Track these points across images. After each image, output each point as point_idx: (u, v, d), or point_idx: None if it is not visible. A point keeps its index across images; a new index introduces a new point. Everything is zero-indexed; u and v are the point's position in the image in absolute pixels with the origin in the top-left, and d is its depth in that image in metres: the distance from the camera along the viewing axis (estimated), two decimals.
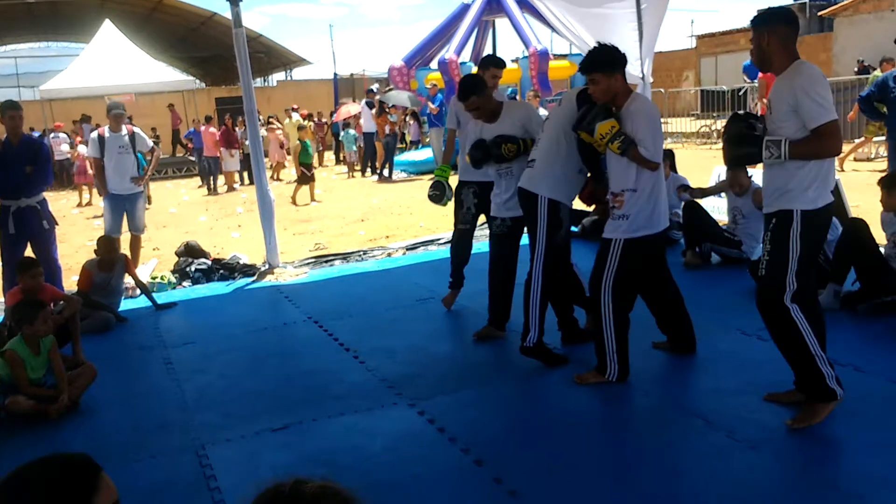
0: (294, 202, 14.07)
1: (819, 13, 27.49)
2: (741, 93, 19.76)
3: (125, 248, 7.23)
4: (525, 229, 4.89)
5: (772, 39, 3.54)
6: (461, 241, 5.96)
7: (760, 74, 9.42)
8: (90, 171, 14.22)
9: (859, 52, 22.58)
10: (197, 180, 18.54)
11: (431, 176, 5.98)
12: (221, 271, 7.82)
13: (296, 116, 20.21)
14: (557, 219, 4.51)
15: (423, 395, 4.33)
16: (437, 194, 5.87)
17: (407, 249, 8.54)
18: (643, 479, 3.30)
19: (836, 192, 6.66)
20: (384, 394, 4.42)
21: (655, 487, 3.23)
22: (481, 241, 7.95)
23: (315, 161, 18.32)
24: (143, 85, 21.26)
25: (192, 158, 20.22)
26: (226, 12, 7.60)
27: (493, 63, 5.64)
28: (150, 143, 8.26)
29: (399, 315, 5.99)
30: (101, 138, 7.80)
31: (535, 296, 4.56)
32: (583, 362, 4.57)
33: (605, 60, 4.10)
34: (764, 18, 3.59)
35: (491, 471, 3.44)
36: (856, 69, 20.79)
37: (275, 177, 18.58)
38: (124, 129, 7.83)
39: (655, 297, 4.56)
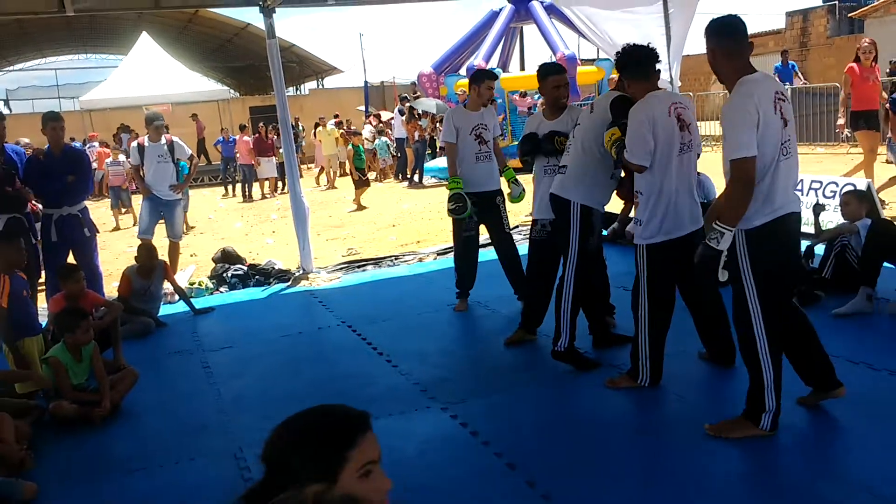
0: (359, 205, 14.19)
1: (849, 14, 27.11)
2: None
3: (164, 255, 7.39)
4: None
5: (716, 54, 3.46)
6: (467, 248, 6.05)
7: (847, 69, 9.46)
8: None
9: (891, 53, 22.20)
10: (231, 188, 18.77)
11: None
12: (257, 277, 7.95)
13: (330, 125, 20.35)
14: (590, 224, 4.55)
15: (456, 399, 4.39)
16: (460, 206, 5.79)
17: (438, 254, 8.60)
18: (673, 483, 3.32)
19: (869, 194, 6.64)
20: (417, 397, 4.49)
21: (685, 490, 3.25)
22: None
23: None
24: (179, 95, 21.66)
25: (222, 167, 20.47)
26: (259, 23, 7.73)
27: (487, 76, 5.98)
28: (189, 151, 8.47)
29: (430, 319, 6.07)
30: (140, 147, 8.03)
31: (566, 301, 4.60)
32: (615, 367, 4.60)
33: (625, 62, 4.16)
34: (707, 32, 3.48)
35: (524, 474, 3.49)
36: (888, 70, 20.48)
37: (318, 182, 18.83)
38: (163, 139, 8.02)
39: (692, 305, 4.44)
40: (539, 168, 5.12)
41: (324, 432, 1.55)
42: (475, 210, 5.86)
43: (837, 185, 7.63)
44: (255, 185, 18.22)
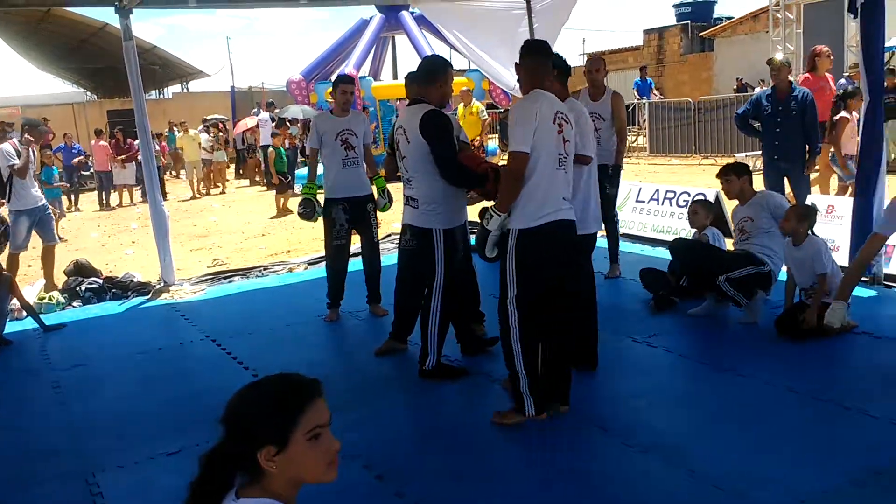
0: (282, 210, 13.65)
1: (700, 34, 28.84)
2: (630, 109, 20.49)
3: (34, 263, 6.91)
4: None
5: (520, 71, 3.91)
6: (337, 257, 6.01)
7: (800, 80, 8.75)
8: None
9: (738, 70, 23.82)
10: (74, 198, 17.55)
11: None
12: (114, 290, 7.55)
13: (193, 131, 19.59)
14: (453, 244, 4.57)
15: None
16: (308, 211, 5.97)
17: (309, 264, 8.46)
18: (541, 486, 3.39)
19: (716, 204, 7.06)
20: None
21: (553, 494, 3.32)
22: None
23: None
24: (28, 97, 20.27)
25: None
26: (118, 23, 7.37)
27: (341, 80, 6.05)
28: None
29: (300, 331, 5.95)
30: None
31: (433, 322, 4.60)
32: (483, 373, 4.66)
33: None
34: (521, 50, 3.92)
35: (392, 486, 3.47)
36: (735, 87, 21.92)
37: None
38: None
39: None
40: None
41: (276, 398, 1.69)
42: (346, 217, 5.85)
43: (689, 194, 8.06)
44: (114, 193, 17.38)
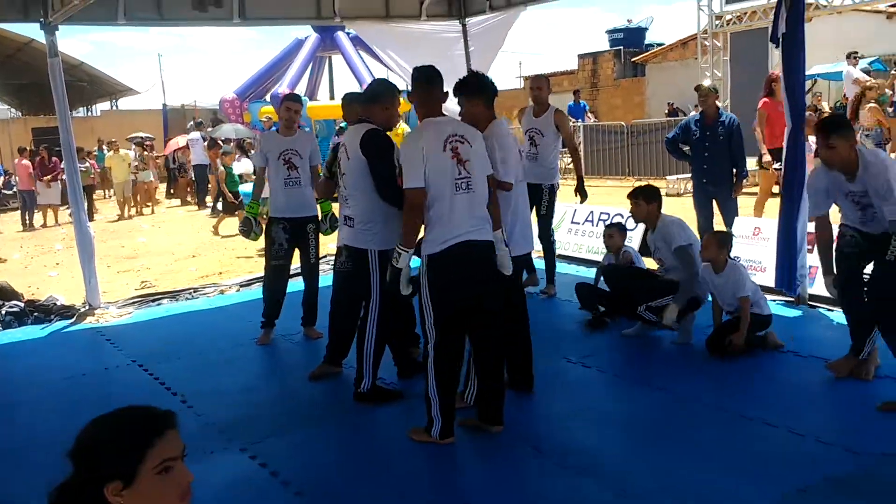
0: (217, 232, 13.22)
1: (632, 59, 29.58)
2: None
3: None
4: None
5: (413, 98, 4.07)
6: (275, 277, 5.94)
7: (760, 104, 8.84)
8: None
9: (669, 95, 24.47)
10: (13, 215, 16.98)
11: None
12: (36, 314, 7.27)
13: (123, 150, 19.07)
14: (387, 267, 4.50)
15: (256, 439, 4.21)
16: (246, 230, 6.07)
17: (241, 286, 8.30)
18: None
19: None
20: (214, 439, 4.25)
21: None
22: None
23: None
24: None
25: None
26: (44, 39, 7.18)
27: (287, 98, 6.12)
28: None
29: (231, 355, 5.81)
30: None
31: (369, 345, 4.55)
32: (418, 395, 4.60)
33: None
34: (411, 79, 4.13)
35: None
36: (666, 111, 22.51)
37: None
38: None
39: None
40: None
41: (123, 431, 1.65)
42: (286, 237, 5.79)
43: (623, 216, 8.18)
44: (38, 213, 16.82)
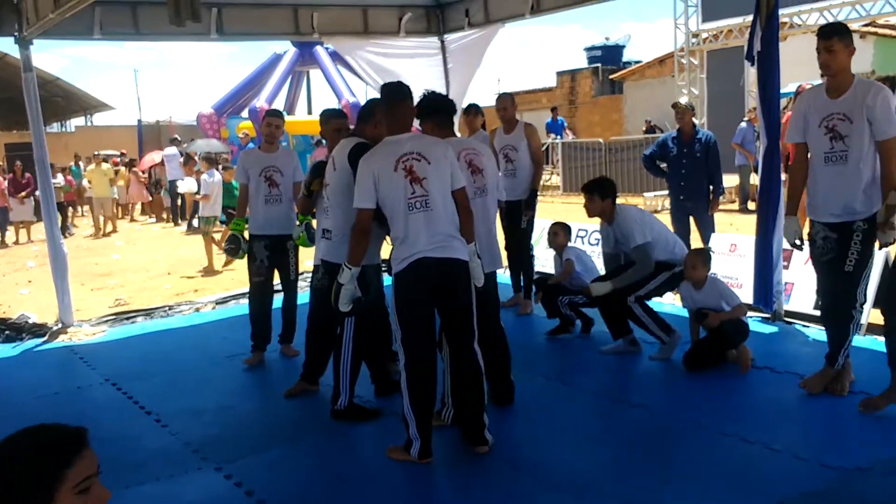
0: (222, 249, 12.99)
1: (610, 77, 29.85)
2: (544, 148, 20.95)
3: None
4: None
5: (378, 116, 4.18)
6: (258, 294, 5.88)
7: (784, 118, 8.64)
8: None
9: (646, 112, 24.69)
10: None
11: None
12: (7, 332, 7.15)
13: (105, 164, 18.80)
14: (365, 282, 4.46)
15: (231, 458, 4.15)
16: (233, 248, 5.94)
17: (217, 304, 8.23)
18: None
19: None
20: (188, 459, 4.19)
21: None
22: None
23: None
24: None
25: None
26: (17, 53, 7.13)
27: (269, 114, 6.03)
28: None
29: (207, 373, 5.74)
30: None
31: (345, 361, 4.52)
32: (396, 413, 4.56)
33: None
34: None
35: None
36: (644, 128, 22.71)
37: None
38: None
39: (483, 348, 4.39)
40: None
41: (38, 453, 1.58)
42: (266, 254, 5.75)
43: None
44: (10, 230, 16.58)
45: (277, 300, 6.02)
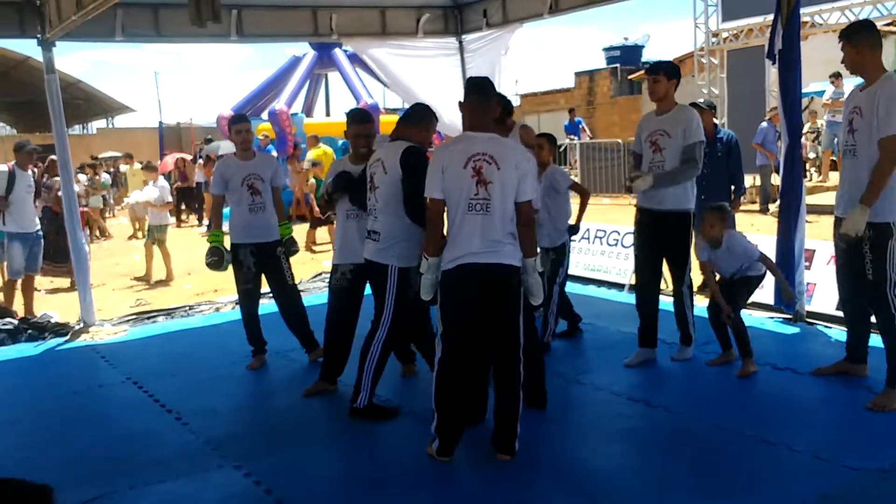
0: (313, 245, 12.84)
1: (629, 77, 29.72)
2: (562, 149, 20.89)
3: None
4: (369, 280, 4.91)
5: (463, 109, 4.00)
6: (246, 302, 5.83)
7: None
8: None
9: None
10: None
11: None
12: (30, 331, 7.22)
13: (137, 165, 18.76)
14: (406, 283, 4.44)
15: (250, 456, 4.17)
16: (216, 260, 5.69)
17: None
18: None
19: None
20: (208, 456, 4.22)
21: None
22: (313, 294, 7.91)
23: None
24: None
25: None
26: (40, 56, 7.21)
27: (236, 120, 5.89)
28: None
29: (227, 372, 5.77)
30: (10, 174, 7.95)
31: (372, 361, 4.50)
32: (415, 413, 4.58)
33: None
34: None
35: None
36: None
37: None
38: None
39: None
40: (342, 212, 5.05)
41: None
42: (253, 260, 5.66)
43: (619, 233, 8.19)
44: None
45: (265, 307, 5.99)
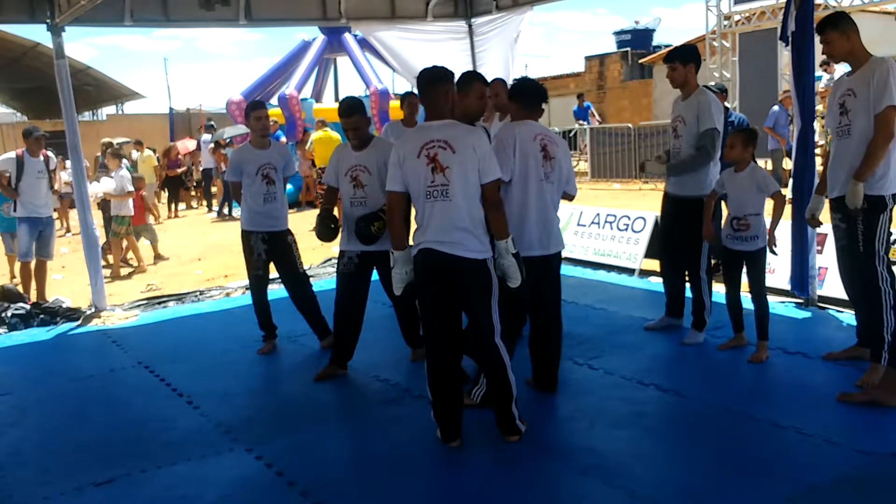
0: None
1: (640, 61, 29.50)
2: (571, 134, 20.79)
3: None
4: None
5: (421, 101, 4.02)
6: (258, 287, 5.83)
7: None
8: None
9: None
10: None
11: None
12: (42, 316, 7.27)
13: (147, 151, 18.77)
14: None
15: (262, 439, 4.20)
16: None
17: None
18: None
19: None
20: (220, 439, 4.24)
21: None
22: (323, 278, 7.92)
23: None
24: None
25: None
26: (50, 42, 7.21)
27: (253, 107, 5.72)
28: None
29: (237, 357, 5.80)
30: (19, 160, 8.07)
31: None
32: (426, 398, 4.58)
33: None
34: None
35: None
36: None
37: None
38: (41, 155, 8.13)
39: (537, 329, 4.63)
40: (346, 199, 5.04)
41: None
42: (264, 247, 5.67)
43: (629, 218, 8.16)
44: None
45: (275, 292, 6.03)
